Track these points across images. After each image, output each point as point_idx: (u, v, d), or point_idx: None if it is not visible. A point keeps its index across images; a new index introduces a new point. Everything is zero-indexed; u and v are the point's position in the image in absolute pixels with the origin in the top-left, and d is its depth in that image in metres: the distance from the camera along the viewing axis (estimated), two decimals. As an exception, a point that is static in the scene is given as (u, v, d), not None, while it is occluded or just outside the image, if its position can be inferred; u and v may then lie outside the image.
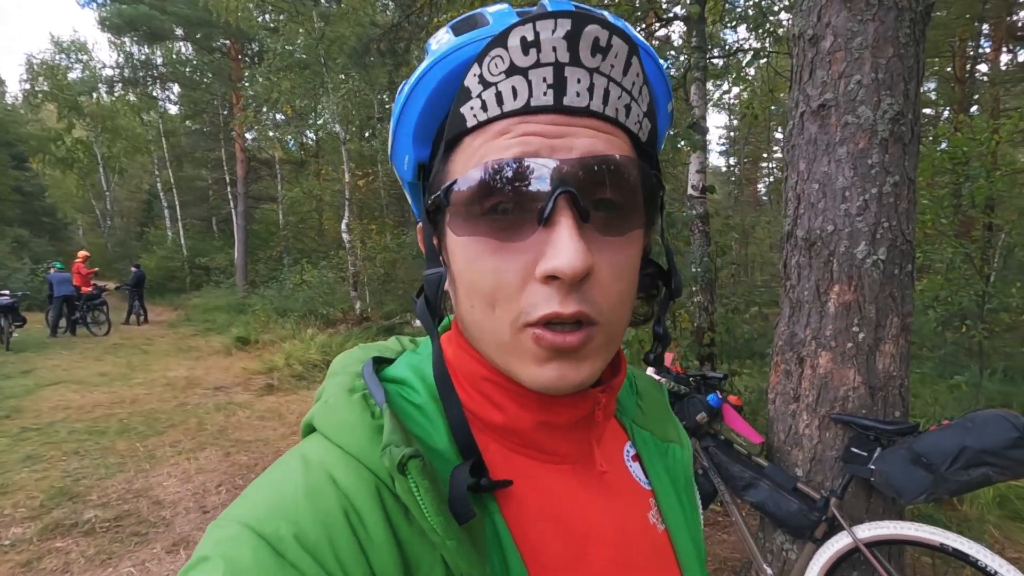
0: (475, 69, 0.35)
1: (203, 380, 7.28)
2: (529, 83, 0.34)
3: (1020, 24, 13.28)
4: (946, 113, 14.22)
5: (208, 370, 7.92)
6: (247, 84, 14.96)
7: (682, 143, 3.62)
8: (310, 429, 0.42)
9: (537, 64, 0.34)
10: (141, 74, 19.55)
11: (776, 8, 5.49)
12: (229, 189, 20.10)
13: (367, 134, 14.50)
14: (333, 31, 11.73)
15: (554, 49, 0.33)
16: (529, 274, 0.35)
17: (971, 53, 13.66)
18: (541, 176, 0.34)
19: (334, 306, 11.11)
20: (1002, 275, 5.23)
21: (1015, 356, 6.26)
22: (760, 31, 4.82)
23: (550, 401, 0.41)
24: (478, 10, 0.40)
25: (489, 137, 0.36)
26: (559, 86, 0.34)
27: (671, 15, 3.76)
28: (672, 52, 4.07)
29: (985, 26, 13.11)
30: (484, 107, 0.35)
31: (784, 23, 5.86)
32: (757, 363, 4.91)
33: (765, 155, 28.68)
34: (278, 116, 17.19)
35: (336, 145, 14.80)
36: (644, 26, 4.16)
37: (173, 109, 22.83)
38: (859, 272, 1.94)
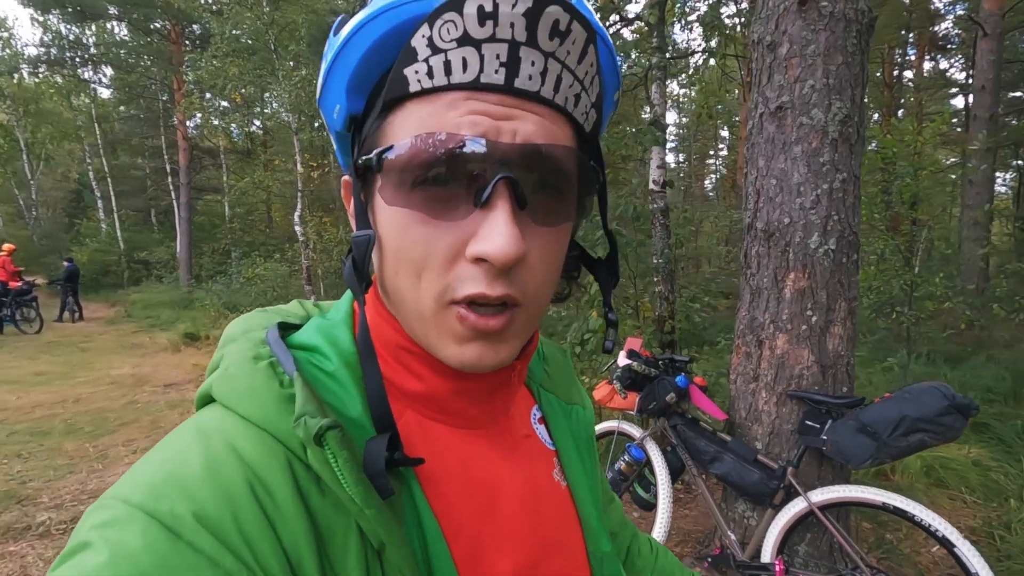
0: (424, 30, 0.33)
1: (152, 377, 6.99)
2: (481, 57, 0.33)
3: (941, 34, 14.33)
4: (876, 116, 15.20)
5: (156, 367, 7.60)
6: (190, 69, 14.27)
7: (638, 138, 3.78)
8: (207, 400, 0.39)
9: (492, 38, 0.32)
10: (69, 55, 18.30)
11: (728, 13, 5.76)
12: (170, 179, 19.16)
13: (317, 124, 14.16)
14: (284, 17, 11.39)
15: (512, 25, 0.32)
16: (459, 252, 0.35)
17: (899, 60, 14.64)
18: (484, 158, 0.34)
19: (288, 300, 10.83)
20: (927, 266, 5.69)
21: (936, 341, 6.84)
22: (712, 32, 5.04)
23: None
24: None
25: (434, 108, 0.34)
26: (512, 66, 0.33)
27: (633, 16, 3.91)
28: (635, 52, 4.22)
29: (911, 35, 14.06)
30: (430, 74, 0.34)
31: (733, 24, 6.15)
32: (708, 350, 5.19)
33: (712, 152, 29.74)
34: (223, 103, 16.50)
35: (286, 135, 14.40)
36: (607, 25, 4.30)
37: (105, 93, 21.52)
38: (812, 260, 2.13)
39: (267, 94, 14.42)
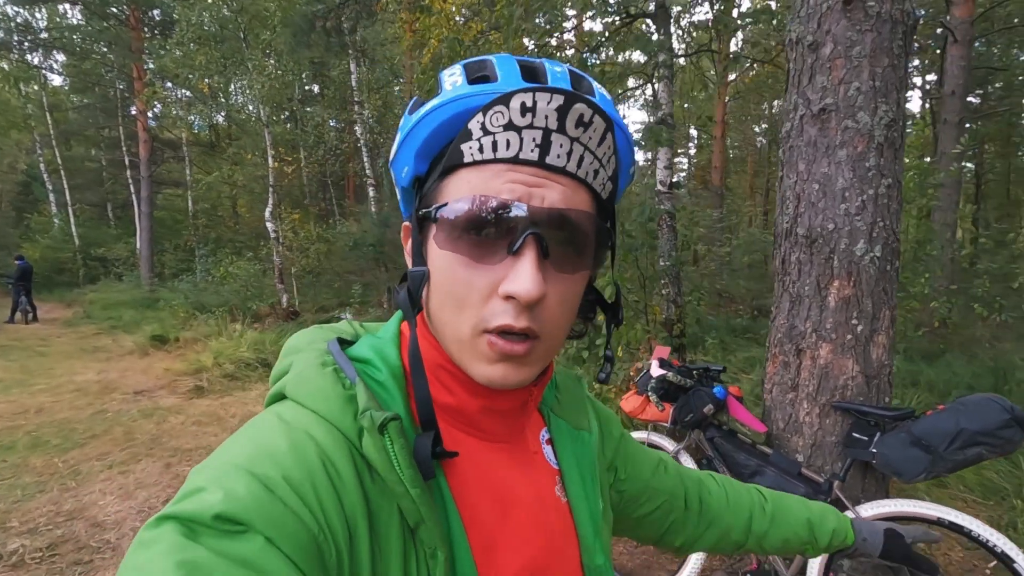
0: (479, 117, 0.42)
1: (120, 384, 6.59)
2: (521, 140, 0.41)
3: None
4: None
5: (124, 373, 7.18)
6: (152, 56, 13.60)
7: (649, 138, 3.71)
8: (278, 398, 0.48)
9: (531, 126, 0.41)
10: (17, 39, 17.20)
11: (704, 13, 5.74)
12: (129, 172, 18.30)
13: (284, 115, 13.66)
14: (255, 4, 10.91)
15: (546, 117, 0.41)
16: (493, 290, 0.43)
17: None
18: (517, 216, 0.42)
19: (263, 300, 10.43)
20: (912, 267, 5.82)
21: (912, 339, 7.05)
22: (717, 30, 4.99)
23: (494, 391, 0.48)
24: (489, 58, 0.47)
25: (481, 176, 0.43)
26: (545, 147, 0.42)
27: (637, 10, 3.82)
28: (637, 51, 4.15)
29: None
30: (481, 150, 0.42)
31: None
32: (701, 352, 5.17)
33: (680, 151, 30.12)
34: (185, 94, 15.78)
35: (256, 127, 13.86)
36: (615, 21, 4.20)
37: (57, 80, 20.38)
38: (858, 268, 2.07)
39: (234, 85, 13.86)
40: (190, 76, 10.90)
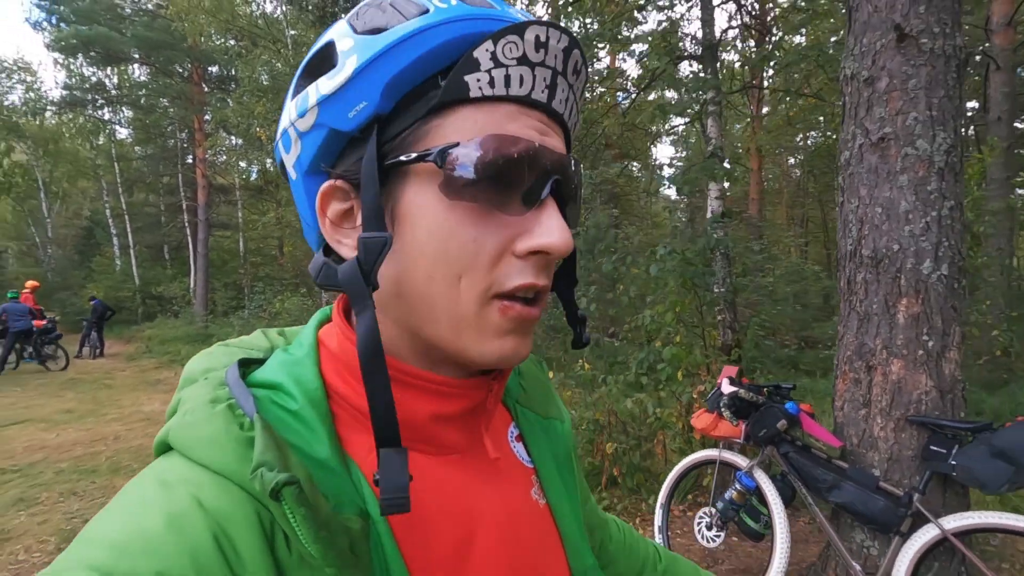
0: (488, 45, 0.35)
1: (185, 413, 6.93)
2: (534, 77, 0.37)
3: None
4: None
5: (188, 403, 7.53)
6: (212, 109, 14.63)
7: (707, 172, 3.88)
8: (164, 448, 0.37)
9: (543, 64, 0.37)
10: (91, 96, 18.76)
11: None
12: (187, 216, 19.39)
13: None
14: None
15: (555, 56, 0.37)
16: (506, 249, 0.37)
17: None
18: (541, 164, 0.37)
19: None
20: (971, 295, 5.72)
21: (972, 368, 6.83)
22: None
23: (447, 392, 0.41)
24: None
25: (491, 116, 0.36)
26: (552, 90, 0.38)
27: (687, 52, 4.06)
28: (684, 89, 4.37)
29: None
30: (492, 84, 0.36)
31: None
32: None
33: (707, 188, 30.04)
34: (237, 142, 16.83)
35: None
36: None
37: (122, 132, 21.98)
38: (926, 286, 2.16)
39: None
40: (251, 124, 11.66)
